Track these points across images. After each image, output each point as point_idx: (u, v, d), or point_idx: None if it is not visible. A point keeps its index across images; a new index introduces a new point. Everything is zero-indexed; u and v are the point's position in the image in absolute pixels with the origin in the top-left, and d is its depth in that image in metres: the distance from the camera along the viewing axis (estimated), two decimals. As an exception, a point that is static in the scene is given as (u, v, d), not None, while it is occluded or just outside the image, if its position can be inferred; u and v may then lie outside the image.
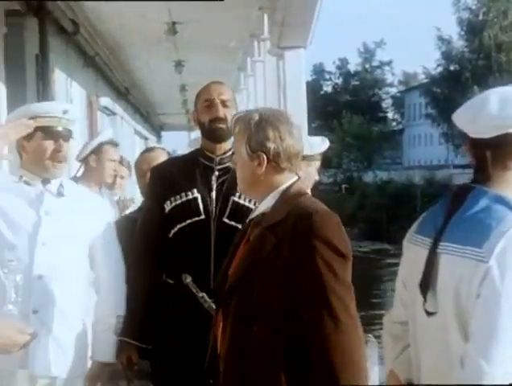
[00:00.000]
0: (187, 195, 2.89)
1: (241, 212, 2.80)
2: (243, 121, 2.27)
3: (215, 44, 10.03)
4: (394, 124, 68.92)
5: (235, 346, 2.17)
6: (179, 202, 2.89)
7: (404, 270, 2.29)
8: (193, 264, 2.84)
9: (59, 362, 2.69)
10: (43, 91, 6.43)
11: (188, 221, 2.86)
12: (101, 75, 11.14)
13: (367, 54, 65.31)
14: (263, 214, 2.26)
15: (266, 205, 2.26)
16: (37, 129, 2.65)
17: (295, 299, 2.09)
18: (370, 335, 3.66)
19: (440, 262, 2.03)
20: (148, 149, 4.09)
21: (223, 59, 11.55)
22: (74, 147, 3.95)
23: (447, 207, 2.10)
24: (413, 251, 2.19)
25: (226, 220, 2.85)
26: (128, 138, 14.70)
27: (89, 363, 2.87)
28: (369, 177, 43.62)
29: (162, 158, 3.73)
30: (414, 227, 2.25)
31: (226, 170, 2.89)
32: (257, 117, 2.25)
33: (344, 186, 42.31)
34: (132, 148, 14.84)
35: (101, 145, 4.13)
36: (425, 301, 2.05)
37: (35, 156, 2.70)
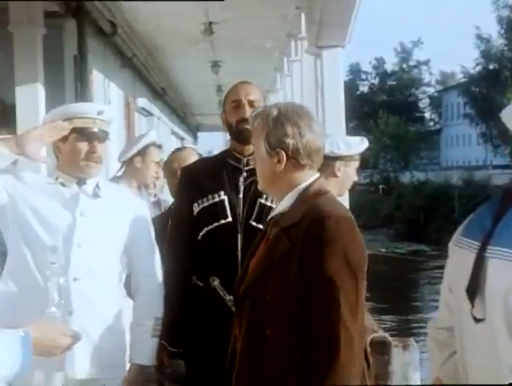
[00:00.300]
0: (214, 198, 2.86)
1: (267, 215, 2.77)
2: (261, 117, 2.21)
3: (251, 44, 10.01)
4: (432, 124, 68.17)
5: (248, 347, 2.14)
6: (206, 204, 2.87)
7: (450, 274, 2.21)
8: (221, 267, 2.81)
9: (97, 364, 2.67)
10: (81, 92, 6.48)
11: (215, 224, 2.84)
12: (138, 76, 11.21)
13: (404, 53, 64.72)
14: (282, 213, 2.21)
15: (285, 204, 2.20)
16: (72, 130, 2.63)
17: (307, 304, 2.04)
18: (411, 339, 3.58)
19: (489, 267, 1.95)
20: (179, 149, 4.08)
21: (259, 60, 11.53)
22: (112, 148, 3.96)
23: (495, 209, 2.02)
24: (459, 254, 2.11)
25: (253, 223, 2.81)
26: (165, 139, 14.76)
27: (127, 366, 2.85)
28: (405, 177, 43.19)
29: (192, 157, 3.70)
30: (460, 229, 2.17)
31: (254, 172, 2.85)
32: (275, 113, 2.18)
33: (381, 186, 41.97)
34: (169, 148, 14.89)
35: (146, 146, 4.13)
36: (472, 306, 1.97)
37: (69, 157, 2.68)
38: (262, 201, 2.81)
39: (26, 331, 1.90)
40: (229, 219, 2.82)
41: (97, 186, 2.76)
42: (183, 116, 20.30)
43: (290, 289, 2.07)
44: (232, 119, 2.92)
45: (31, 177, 2.71)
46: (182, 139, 20.09)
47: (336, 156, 3.31)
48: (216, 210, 2.83)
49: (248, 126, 2.83)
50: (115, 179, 4.11)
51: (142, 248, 2.84)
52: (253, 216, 2.82)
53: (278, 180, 2.20)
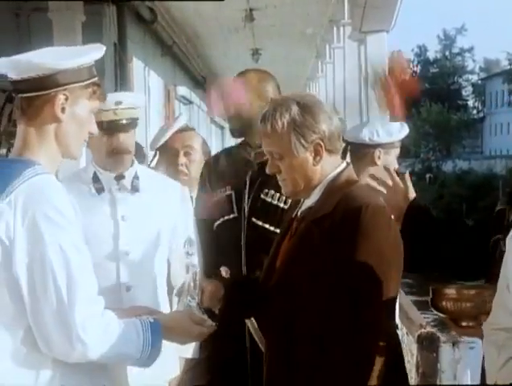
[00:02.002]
0: (223, 191, 2.79)
1: (267, 211, 2.69)
2: (280, 114, 2.04)
3: (292, 31, 9.89)
4: (475, 112, 67.18)
5: (278, 339, 2.08)
6: (215, 198, 2.80)
7: (508, 271, 2.07)
8: (227, 263, 2.72)
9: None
10: (121, 80, 6.45)
11: (222, 219, 2.77)
12: (178, 64, 11.18)
13: (447, 41, 63.87)
14: (310, 208, 2.10)
15: (313, 198, 2.09)
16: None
17: (338, 295, 1.96)
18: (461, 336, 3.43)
19: (553, 263, 1.82)
20: (182, 129, 3.81)
21: (300, 47, 11.40)
22: (152, 136, 3.83)
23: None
24: (520, 250, 1.98)
25: (254, 219, 2.72)
26: (205, 128, 14.73)
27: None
28: (448, 166, 42.67)
29: (195, 139, 3.46)
30: (520, 222, 2.03)
31: (264, 165, 2.75)
32: (295, 106, 2.05)
33: (428, 175, 41.47)
34: (209, 137, 14.86)
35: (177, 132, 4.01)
36: (535, 306, 1.84)
37: (97, 152, 2.64)
38: (262, 196, 2.71)
39: (155, 318, 1.93)
40: (235, 214, 2.75)
41: (136, 176, 2.66)
42: (223, 104, 20.24)
43: (321, 281, 1.98)
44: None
45: (71, 190, 2.66)
46: (222, 128, 20.05)
47: (376, 143, 3.17)
48: (224, 204, 2.76)
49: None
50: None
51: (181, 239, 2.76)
52: (256, 213, 2.72)
53: (311, 175, 2.08)
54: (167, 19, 8.73)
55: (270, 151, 2.10)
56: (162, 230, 2.67)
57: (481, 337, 2.23)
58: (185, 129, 3.61)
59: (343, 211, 1.99)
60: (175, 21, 9.02)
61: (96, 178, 2.63)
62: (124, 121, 2.62)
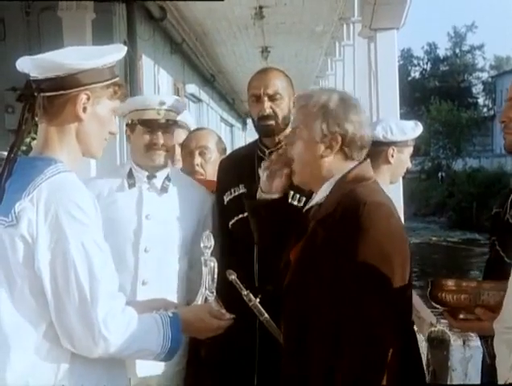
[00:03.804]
0: (235, 191, 2.79)
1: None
2: (318, 98, 2.06)
3: (302, 29, 9.87)
4: (485, 110, 66.81)
5: (290, 347, 2.09)
6: (229, 197, 2.81)
7: (521, 269, 2.05)
8: (239, 262, 2.70)
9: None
10: (131, 77, 6.45)
11: (236, 218, 2.77)
12: (187, 61, 11.17)
13: (457, 38, 63.50)
14: (320, 204, 2.09)
15: (322, 194, 2.08)
16: (138, 122, 2.76)
17: (342, 295, 1.95)
18: (472, 335, 3.41)
19: None
20: (197, 129, 3.79)
21: (310, 44, 11.37)
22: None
23: None
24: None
25: None
26: (214, 125, 14.72)
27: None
28: (458, 165, 42.46)
29: (211, 138, 3.43)
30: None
31: None
32: (336, 96, 2.06)
33: (440, 173, 41.24)
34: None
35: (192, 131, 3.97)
36: (547, 304, 1.82)
37: (136, 147, 2.78)
38: None
39: (174, 312, 1.96)
40: (247, 213, 2.73)
41: (168, 177, 2.78)
42: (233, 102, 20.25)
43: (327, 280, 1.98)
44: (253, 114, 2.80)
45: (106, 181, 2.78)
46: (231, 126, 20.06)
47: (390, 141, 3.15)
48: (238, 203, 2.74)
49: (270, 122, 2.71)
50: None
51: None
52: None
53: (317, 166, 2.07)
54: (177, 17, 8.72)
55: (294, 127, 2.12)
56: (184, 233, 2.76)
57: (478, 331, 2.22)
58: (200, 129, 3.63)
59: (343, 209, 1.98)
60: (184, 19, 9.01)
61: (130, 174, 2.77)
62: (164, 121, 2.76)
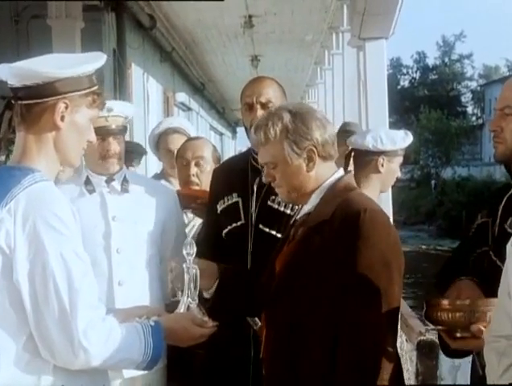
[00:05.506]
0: (229, 200, 2.78)
1: (274, 217, 2.66)
2: (272, 123, 2.06)
3: (291, 38, 9.90)
4: (474, 118, 67.17)
5: (281, 349, 2.07)
6: (223, 206, 2.79)
7: (509, 278, 2.05)
8: None
9: None
10: (120, 86, 6.45)
11: (229, 227, 2.75)
12: (177, 70, 11.18)
13: (446, 47, 63.89)
14: (308, 214, 2.10)
15: (310, 204, 2.10)
16: None
17: (341, 300, 1.96)
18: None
19: (554, 270, 1.80)
20: (192, 138, 3.80)
21: (299, 53, 11.41)
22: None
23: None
24: (520, 256, 1.96)
25: (261, 226, 2.70)
26: (204, 134, 14.72)
27: None
28: (447, 173, 42.65)
29: (206, 147, 3.41)
30: (520, 229, 2.02)
31: None
32: (287, 114, 2.07)
33: (433, 182, 41.40)
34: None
35: (161, 134, 3.97)
36: (535, 313, 1.83)
37: (89, 156, 2.73)
38: (269, 203, 2.70)
39: (156, 321, 1.93)
40: (243, 221, 2.73)
41: (125, 179, 2.78)
42: (223, 111, 20.28)
43: (324, 287, 1.98)
44: (246, 122, 2.80)
45: (64, 190, 2.71)
46: (221, 134, 20.08)
47: (380, 151, 3.16)
48: (232, 212, 2.75)
49: None
50: (156, 176, 3.98)
51: (172, 241, 2.79)
52: (263, 220, 2.71)
53: (306, 181, 2.09)
54: (166, 26, 8.72)
55: (264, 161, 2.11)
56: (151, 229, 2.77)
57: (475, 349, 2.22)
58: (195, 138, 3.63)
59: (342, 217, 1.99)
60: (174, 27, 9.02)
61: (88, 181, 2.75)
62: (114, 127, 2.74)
